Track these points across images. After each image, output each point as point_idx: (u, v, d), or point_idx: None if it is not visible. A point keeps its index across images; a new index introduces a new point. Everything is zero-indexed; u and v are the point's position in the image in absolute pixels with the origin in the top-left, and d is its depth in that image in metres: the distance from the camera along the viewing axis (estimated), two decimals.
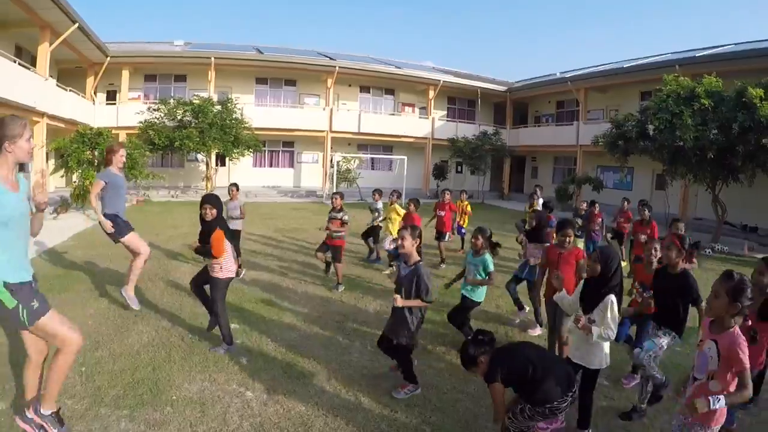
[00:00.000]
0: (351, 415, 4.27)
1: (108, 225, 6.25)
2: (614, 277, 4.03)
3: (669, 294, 4.61)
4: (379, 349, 4.98)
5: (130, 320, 6.21)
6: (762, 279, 4.12)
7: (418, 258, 4.70)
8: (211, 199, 5.36)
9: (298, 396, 4.52)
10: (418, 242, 4.73)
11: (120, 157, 6.53)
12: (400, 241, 4.72)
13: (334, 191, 9.21)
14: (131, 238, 6.52)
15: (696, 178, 16.32)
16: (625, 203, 11.89)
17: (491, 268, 5.76)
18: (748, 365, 2.83)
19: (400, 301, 4.51)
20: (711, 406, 2.80)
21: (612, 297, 3.95)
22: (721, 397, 2.83)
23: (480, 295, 5.88)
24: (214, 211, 5.28)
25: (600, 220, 10.70)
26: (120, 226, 6.39)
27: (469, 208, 12.37)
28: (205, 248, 5.33)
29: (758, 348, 4.03)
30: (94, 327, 5.90)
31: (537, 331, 6.61)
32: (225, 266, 5.38)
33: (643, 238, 8.93)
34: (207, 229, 5.31)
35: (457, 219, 12.14)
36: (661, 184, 21.80)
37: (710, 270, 10.96)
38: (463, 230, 12.31)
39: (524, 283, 7.11)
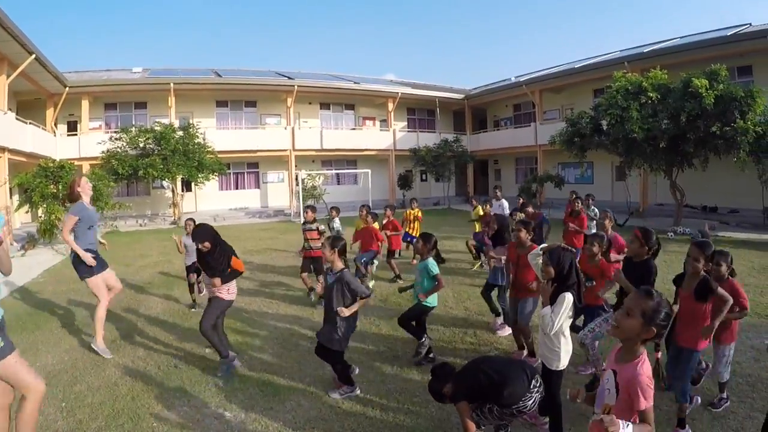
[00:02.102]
0: (328, 425, 4.44)
1: (89, 257, 6.10)
2: (569, 275, 4.09)
3: (632, 282, 4.68)
4: (317, 356, 5.19)
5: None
6: (697, 265, 4.21)
7: (342, 266, 4.98)
8: (197, 235, 5.49)
9: (275, 412, 4.68)
10: (340, 256, 5.00)
11: (85, 185, 6.34)
12: (322, 250, 5.03)
13: (306, 204, 9.32)
14: (95, 281, 6.28)
15: (652, 167, 16.93)
16: (573, 196, 12.14)
17: (436, 271, 5.82)
18: (650, 404, 2.45)
19: (346, 311, 4.76)
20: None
21: (566, 294, 3.96)
22: (630, 424, 2.38)
23: (432, 300, 5.94)
24: (207, 244, 5.39)
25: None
26: (95, 267, 6.26)
27: (420, 214, 12.16)
28: (230, 274, 5.58)
29: (698, 328, 4.18)
30: (70, 362, 5.98)
31: (507, 331, 6.72)
32: (231, 289, 5.66)
33: (572, 228, 9.46)
34: (210, 260, 5.47)
35: (407, 228, 12.00)
36: (621, 175, 22.43)
37: (673, 252, 11.38)
38: (413, 239, 12.08)
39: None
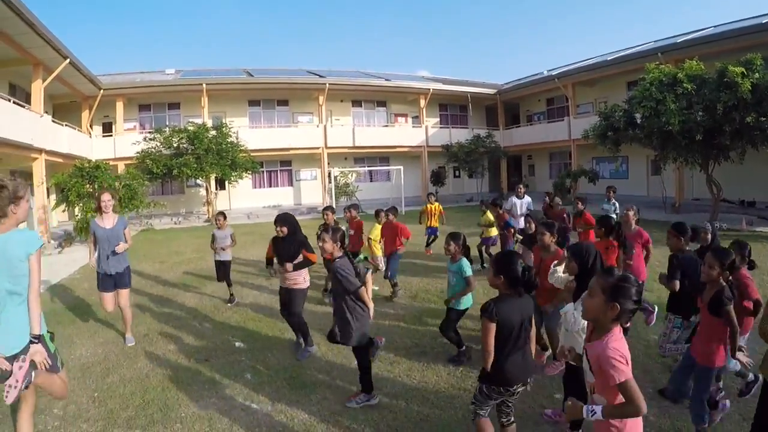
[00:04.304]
0: (352, 418, 4.46)
1: (92, 260, 6.67)
2: (593, 270, 3.97)
3: (684, 277, 4.82)
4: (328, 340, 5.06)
5: (138, 346, 6.46)
6: (711, 273, 3.94)
7: (340, 254, 4.81)
8: (279, 219, 5.87)
9: (302, 405, 4.72)
10: (339, 245, 4.85)
11: (100, 203, 6.41)
12: (320, 243, 4.91)
13: (324, 207, 9.09)
14: (101, 295, 6.60)
15: (687, 161, 16.52)
16: (574, 198, 11.56)
17: (468, 273, 5.55)
18: (624, 377, 2.39)
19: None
20: (585, 416, 2.53)
21: None
22: (597, 409, 2.49)
23: (463, 303, 5.67)
24: (285, 229, 5.78)
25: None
26: (99, 281, 6.61)
27: (440, 208, 12.35)
28: (302, 263, 5.84)
29: (713, 344, 3.89)
30: (103, 355, 6.15)
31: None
32: (306, 277, 5.93)
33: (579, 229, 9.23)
34: (285, 245, 5.82)
35: (427, 221, 12.21)
36: (656, 169, 21.91)
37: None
38: (436, 231, 12.28)
39: None
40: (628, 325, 5.16)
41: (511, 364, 3.36)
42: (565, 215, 10.25)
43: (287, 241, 5.82)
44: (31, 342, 3.33)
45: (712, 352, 3.86)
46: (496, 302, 3.34)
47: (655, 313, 6.38)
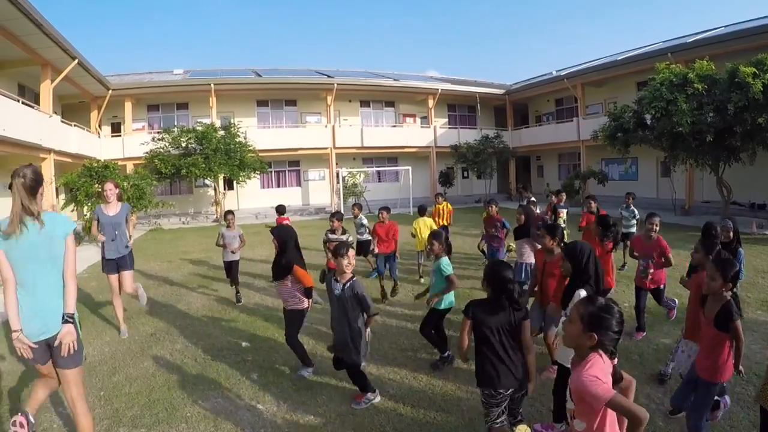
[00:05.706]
0: (358, 420, 4.43)
1: (100, 237, 6.86)
2: (585, 270, 3.92)
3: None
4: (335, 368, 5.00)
5: (144, 345, 6.46)
6: (713, 284, 3.67)
7: (351, 275, 4.66)
8: (273, 232, 5.60)
9: (307, 406, 4.70)
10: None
11: (106, 191, 6.69)
12: (336, 255, 4.65)
13: (332, 213, 8.96)
14: (107, 276, 6.94)
15: (697, 163, 16.37)
16: (586, 198, 11.36)
17: (448, 271, 5.46)
18: (606, 397, 2.22)
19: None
20: None
21: (581, 291, 3.74)
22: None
23: (442, 303, 5.55)
24: (276, 243, 5.46)
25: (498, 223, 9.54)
26: (103, 264, 6.96)
27: (449, 208, 12.00)
28: (305, 292, 5.57)
29: (718, 358, 3.71)
30: (110, 353, 6.16)
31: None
32: (301, 297, 5.52)
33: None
34: (279, 260, 5.51)
35: (439, 221, 11.63)
36: (666, 171, 21.75)
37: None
38: (447, 230, 11.57)
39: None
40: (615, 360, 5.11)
41: (494, 367, 3.46)
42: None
43: (279, 257, 5.49)
44: (66, 321, 3.26)
45: (716, 367, 3.69)
46: (474, 302, 3.59)
47: (676, 308, 6.65)
